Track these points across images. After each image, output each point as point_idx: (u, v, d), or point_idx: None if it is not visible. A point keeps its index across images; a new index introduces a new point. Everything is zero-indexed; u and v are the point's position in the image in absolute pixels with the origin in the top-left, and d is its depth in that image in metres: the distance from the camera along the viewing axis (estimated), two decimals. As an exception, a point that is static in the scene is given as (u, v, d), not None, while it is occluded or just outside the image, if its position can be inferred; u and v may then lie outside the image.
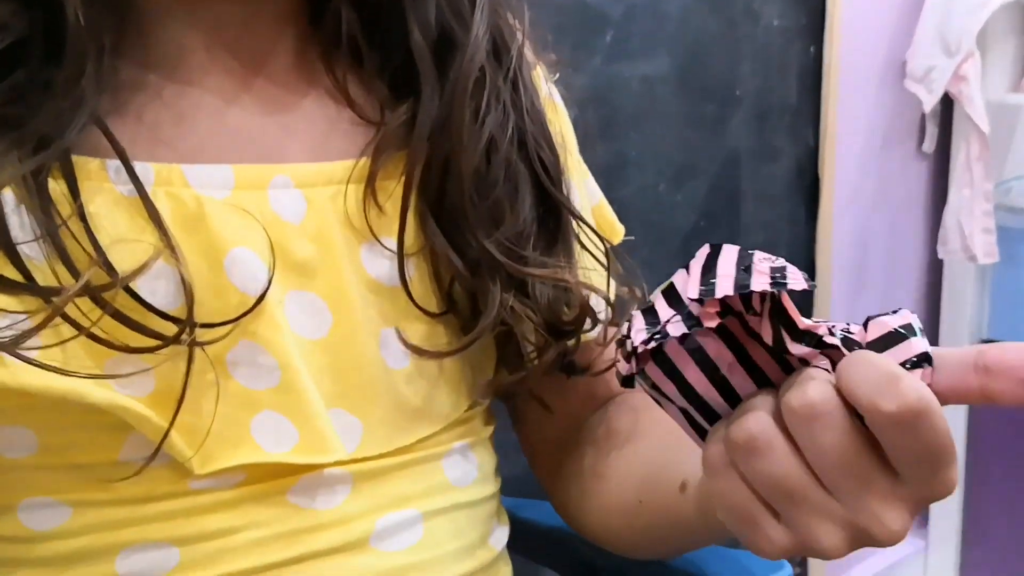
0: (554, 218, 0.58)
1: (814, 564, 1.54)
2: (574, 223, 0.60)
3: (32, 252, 0.45)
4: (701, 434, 0.41)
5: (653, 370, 0.39)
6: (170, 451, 0.47)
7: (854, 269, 1.50)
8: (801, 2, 1.33)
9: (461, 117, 0.54)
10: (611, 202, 1.16)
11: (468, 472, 0.59)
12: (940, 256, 1.45)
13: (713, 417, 0.40)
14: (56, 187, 0.46)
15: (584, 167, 0.69)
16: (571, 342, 0.58)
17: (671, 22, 1.19)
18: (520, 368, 0.57)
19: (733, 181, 1.31)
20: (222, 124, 0.52)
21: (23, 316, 0.44)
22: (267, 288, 0.48)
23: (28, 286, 0.44)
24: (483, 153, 0.54)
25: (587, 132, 1.15)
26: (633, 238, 0.70)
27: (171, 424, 0.46)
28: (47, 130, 0.46)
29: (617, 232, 0.69)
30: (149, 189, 0.48)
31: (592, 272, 0.61)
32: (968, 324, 1.56)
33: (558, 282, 0.56)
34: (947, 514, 1.64)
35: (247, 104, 0.53)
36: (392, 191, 0.54)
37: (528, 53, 0.62)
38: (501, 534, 0.63)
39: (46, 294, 0.44)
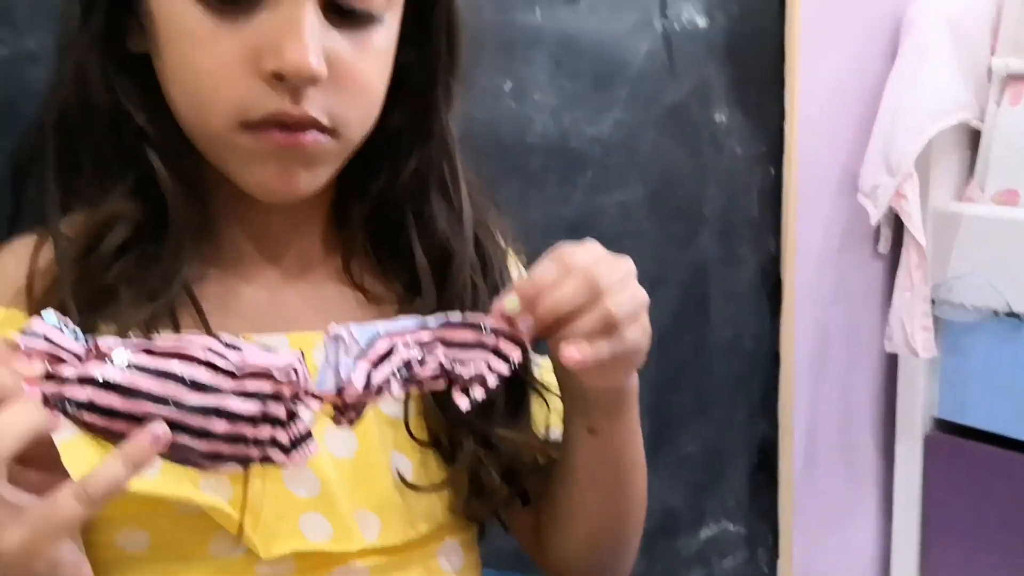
0: (518, 391, 0.78)
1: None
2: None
3: None
4: None
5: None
6: (245, 542, 0.67)
7: (815, 359, 1.68)
8: (761, 132, 1.53)
9: None
10: (593, 310, 1.36)
11: (456, 562, 0.78)
12: (888, 350, 1.64)
13: None
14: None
15: None
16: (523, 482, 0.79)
17: (643, 156, 1.38)
18: (485, 496, 0.76)
19: (702, 286, 1.50)
20: (274, 305, 0.73)
21: None
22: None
23: None
24: None
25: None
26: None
27: (242, 517, 0.66)
28: (157, 288, 0.67)
29: None
30: None
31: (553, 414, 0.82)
32: (921, 406, 1.73)
33: (516, 443, 0.77)
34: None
35: (289, 290, 0.75)
36: None
37: (501, 241, 0.83)
38: (482, 603, 0.83)
39: None
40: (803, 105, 1.54)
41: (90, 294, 0.66)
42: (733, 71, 1.46)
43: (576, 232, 1.31)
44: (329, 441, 0.71)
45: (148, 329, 0.66)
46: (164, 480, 0.63)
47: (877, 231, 1.72)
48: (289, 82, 0.63)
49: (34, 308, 0.66)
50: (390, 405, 0.74)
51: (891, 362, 1.79)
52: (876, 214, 1.57)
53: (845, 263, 1.70)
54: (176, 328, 0.68)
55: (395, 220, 0.76)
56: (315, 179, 0.69)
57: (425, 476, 0.74)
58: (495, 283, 0.78)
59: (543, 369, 0.82)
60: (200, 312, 0.69)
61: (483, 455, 0.75)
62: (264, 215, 0.73)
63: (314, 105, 0.64)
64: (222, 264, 0.73)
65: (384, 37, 0.68)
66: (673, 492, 1.51)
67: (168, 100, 0.68)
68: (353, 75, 0.66)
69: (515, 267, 0.85)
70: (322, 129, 0.66)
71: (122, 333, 0.65)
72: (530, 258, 0.90)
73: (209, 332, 0.68)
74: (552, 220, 1.30)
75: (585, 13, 1.28)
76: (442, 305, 0.74)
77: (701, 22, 1.41)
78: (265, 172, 0.66)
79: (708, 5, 1.41)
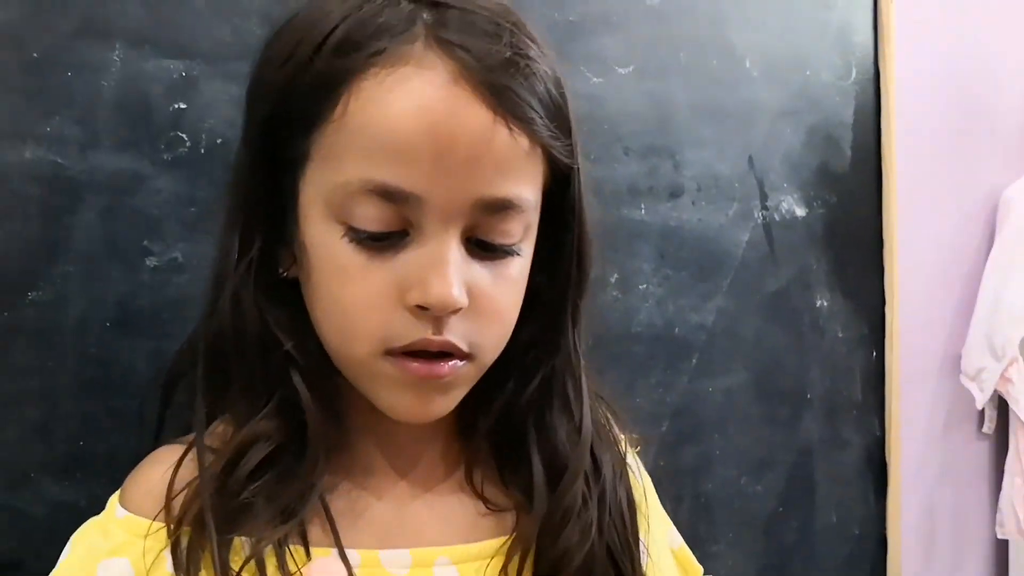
0: None
1: None
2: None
3: None
4: None
5: None
6: None
7: (923, 542, 1.64)
8: (863, 316, 1.53)
9: (559, 530, 0.74)
10: (698, 495, 1.37)
11: None
12: (999, 536, 1.60)
13: None
14: (298, 555, 0.68)
15: (666, 517, 0.89)
16: None
17: (747, 343, 1.39)
18: None
19: (807, 470, 1.48)
20: (400, 518, 0.75)
21: None
22: None
23: None
24: (581, 556, 0.74)
25: (678, 438, 1.37)
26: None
27: None
28: (293, 505, 0.69)
29: (697, 570, 0.89)
30: (357, 570, 0.69)
31: None
32: (1037, 593, 1.68)
33: None
34: None
35: (414, 503, 0.76)
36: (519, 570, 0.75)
37: (616, 429, 0.84)
38: None
39: None
40: (903, 288, 1.55)
41: (228, 508, 0.68)
42: (833, 257, 1.48)
43: (681, 417, 1.33)
44: None
45: (280, 544, 0.68)
46: None
47: (982, 411, 1.70)
48: (432, 313, 0.66)
49: (171, 519, 0.69)
50: None
51: (1002, 546, 1.73)
52: (982, 398, 1.56)
53: (950, 444, 1.67)
54: (306, 542, 0.69)
55: (517, 430, 0.77)
56: (449, 403, 0.71)
57: None
58: (605, 496, 0.78)
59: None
60: (333, 526, 0.71)
61: None
62: (394, 428, 0.75)
63: (454, 333, 0.67)
64: (353, 476, 0.75)
65: (520, 266, 0.71)
66: None
67: (314, 323, 0.71)
68: (491, 304, 0.69)
69: (633, 460, 0.86)
70: (460, 356, 0.68)
71: (257, 547, 0.67)
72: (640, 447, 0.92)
73: (340, 547, 0.70)
74: (657, 406, 1.31)
75: (687, 206, 1.32)
76: (551, 516, 0.75)
77: (800, 211, 1.44)
78: (403, 399, 0.69)
79: (806, 196, 1.45)
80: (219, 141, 0.94)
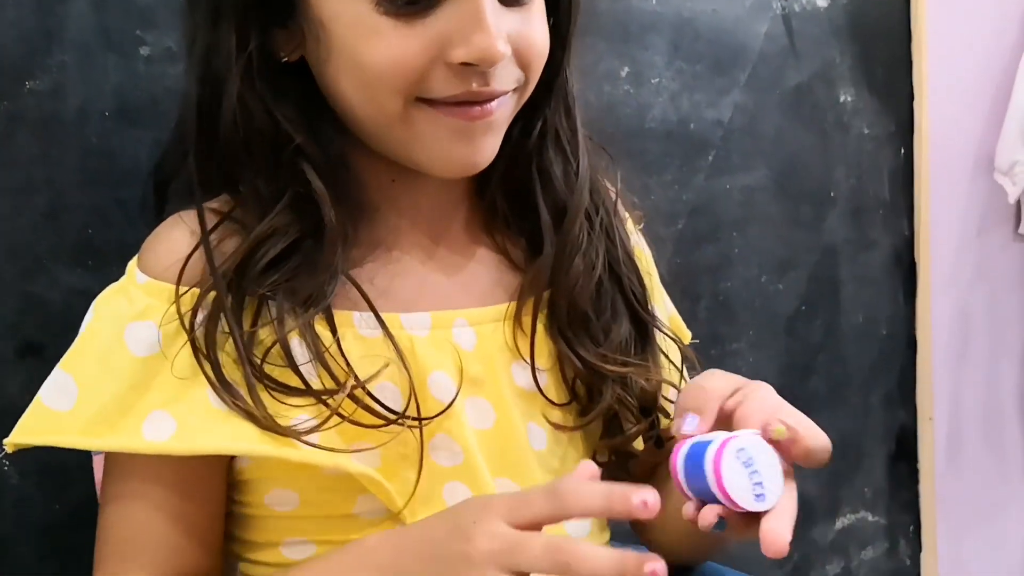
0: (643, 332, 0.80)
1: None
2: (658, 334, 0.82)
3: (306, 371, 0.67)
4: None
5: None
6: (390, 506, 0.69)
7: (955, 344, 1.63)
8: (890, 112, 1.50)
9: (568, 265, 0.76)
10: (717, 294, 1.37)
11: (584, 526, 0.80)
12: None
13: None
14: (321, 329, 0.69)
15: (662, 290, 0.90)
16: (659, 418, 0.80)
17: (767, 140, 1.37)
18: (622, 434, 0.78)
19: (832, 270, 1.47)
20: (422, 282, 0.76)
21: (306, 417, 0.66)
22: (455, 398, 0.71)
23: (309, 391, 0.67)
24: (592, 289, 0.77)
25: (695, 236, 1.36)
26: (698, 341, 0.91)
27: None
28: (314, 293, 0.69)
29: (686, 336, 0.91)
30: (380, 333, 0.71)
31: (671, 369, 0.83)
32: (1072, 392, 1.67)
33: (647, 377, 0.78)
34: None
35: (437, 267, 0.77)
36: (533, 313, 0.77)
37: (621, 209, 0.84)
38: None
39: (320, 396, 0.66)
40: (932, 83, 1.50)
41: (246, 302, 0.68)
42: (857, 50, 1.44)
43: (697, 216, 1.32)
44: (469, 413, 0.73)
45: (306, 326, 0.68)
46: (320, 449, 0.66)
47: (1017, 210, 1.66)
48: (478, 68, 0.66)
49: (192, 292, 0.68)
50: (523, 377, 0.76)
51: (1039, 347, 1.72)
52: (1015, 192, 1.52)
53: (983, 244, 1.64)
54: (332, 324, 0.69)
55: (521, 178, 0.78)
56: (495, 143, 0.72)
57: (563, 438, 0.77)
58: (607, 230, 0.80)
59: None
60: (363, 294, 0.71)
61: (620, 393, 0.77)
62: (417, 198, 0.76)
63: (500, 80, 0.68)
64: (376, 249, 0.75)
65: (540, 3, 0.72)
66: (805, 480, 1.49)
67: (331, 95, 0.70)
68: (530, 46, 0.70)
69: (632, 234, 0.86)
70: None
71: (281, 332, 0.67)
72: (652, 241, 0.92)
73: (373, 309, 0.70)
74: (674, 205, 1.30)
75: (702, -4, 1.29)
76: (560, 253, 0.76)
77: (822, 2, 1.40)
78: (453, 148, 0.69)
79: (828, -16, 1.40)
80: (206, -74, 0.93)
